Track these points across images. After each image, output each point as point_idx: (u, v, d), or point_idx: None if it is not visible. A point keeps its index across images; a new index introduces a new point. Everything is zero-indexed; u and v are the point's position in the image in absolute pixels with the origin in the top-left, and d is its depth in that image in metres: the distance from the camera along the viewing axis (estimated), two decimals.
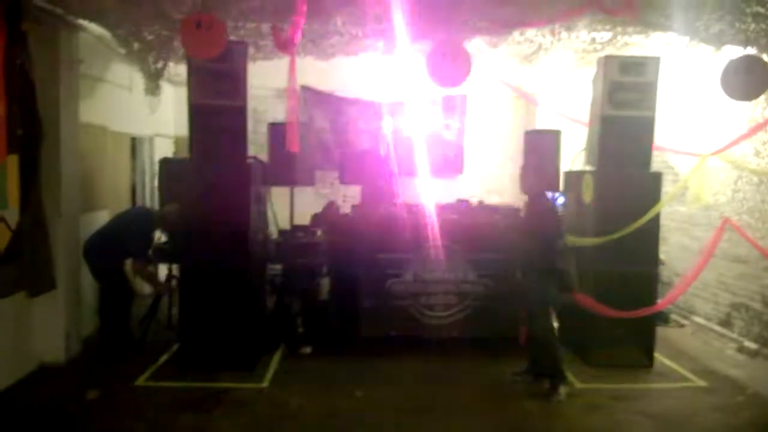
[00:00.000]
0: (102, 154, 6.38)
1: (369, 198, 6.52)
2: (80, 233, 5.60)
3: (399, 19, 4.88)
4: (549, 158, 6.27)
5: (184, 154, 6.25)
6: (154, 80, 6.32)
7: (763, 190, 5.95)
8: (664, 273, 6.89)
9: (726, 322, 6.47)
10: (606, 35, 5.58)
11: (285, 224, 6.50)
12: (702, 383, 5.21)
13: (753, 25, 4.80)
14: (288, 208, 6.63)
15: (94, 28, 5.59)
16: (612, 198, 5.47)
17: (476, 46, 5.74)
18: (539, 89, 8.38)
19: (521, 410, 4.64)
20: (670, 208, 7.01)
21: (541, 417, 4.55)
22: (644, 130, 5.56)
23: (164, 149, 8.14)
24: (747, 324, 6.14)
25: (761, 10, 4.58)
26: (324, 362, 5.52)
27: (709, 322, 6.73)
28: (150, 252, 5.77)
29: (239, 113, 5.15)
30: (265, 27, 5.27)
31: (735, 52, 5.20)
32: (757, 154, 5.98)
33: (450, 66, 4.72)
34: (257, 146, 6.38)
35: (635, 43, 5.72)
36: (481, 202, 6.37)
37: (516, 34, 5.43)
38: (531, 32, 5.42)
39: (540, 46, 5.80)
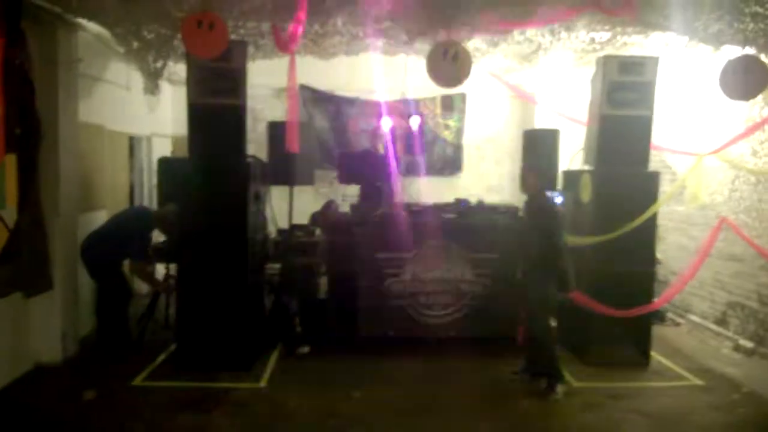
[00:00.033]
0: (100, 153, 6.37)
1: (368, 197, 6.53)
2: (78, 233, 5.58)
3: (399, 18, 4.90)
4: (547, 157, 6.28)
5: (182, 153, 6.24)
6: (153, 79, 6.31)
7: (760, 190, 5.98)
8: (661, 272, 6.91)
9: (722, 321, 6.50)
10: (605, 35, 5.58)
11: (284, 223, 6.50)
12: (698, 381, 5.24)
13: (751, 25, 4.81)
14: (287, 207, 6.63)
15: (93, 26, 5.58)
16: (610, 197, 5.49)
17: (476, 45, 5.75)
18: (538, 89, 8.39)
19: (519, 409, 4.65)
20: (668, 208, 7.02)
21: (539, 416, 4.56)
22: (642, 129, 5.58)
23: (162, 149, 8.12)
24: (743, 322, 6.17)
25: (760, 10, 4.59)
26: (322, 362, 5.52)
27: (705, 320, 6.76)
28: (149, 252, 5.76)
29: (239, 112, 5.14)
30: (265, 26, 5.26)
31: (733, 51, 5.21)
32: (755, 153, 6.00)
33: (450, 66, 4.73)
34: (255, 145, 6.37)
35: (634, 43, 5.73)
36: (480, 202, 6.38)
37: (516, 33, 5.44)
38: (531, 32, 5.42)
39: (539, 46, 5.80)
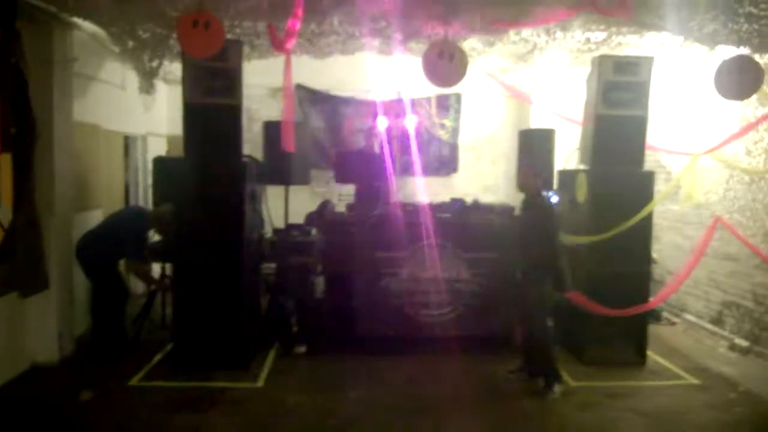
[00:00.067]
0: (95, 153, 6.34)
1: (364, 197, 6.52)
2: (73, 233, 5.56)
3: (395, 18, 4.89)
4: (543, 157, 6.30)
5: (177, 153, 6.23)
6: (148, 79, 6.30)
7: (754, 189, 6.01)
8: (657, 271, 6.94)
9: (717, 320, 6.53)
10: (600, 35, 5.60)
11: (280, 223, 6.49)
12: (694, 381, 5.26)
13: (746, 26, 4.83)
14: (283, 206, 6.62)
15: (88, 26, 5.56)
16: (605, 197, 5.51)
17: (471, 45, 5.76)
18: (534, 88, 8.40)
19: (516, 408, 4.66)
20: (663, 207, 7.06)
21: (536, 415, 4.57)
22: (637, 129, 5.60)
23: (157, 148, 8.10)
24: (738, 321, 6.20)
25: (754, 10, 4.61)
26: (319, 361, 5.52)
27: (701, 319, 6.79)
28: (145, 252, 5.75)
29: (234, 112, 5.14)
30: (261, 26, 5.26)
31: (728, 51, 5.24)
32: (749, 153, 6.04)
33: (446, 66, 4.73)
34: (251, 145, 6.36)
35: (629, 43, 5.75)
36: (476, 201, 6.39)
37: (511, 33, 5.44)
38: (526, 32, 5.43)
39: (535, 46, 5.81)
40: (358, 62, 6.90)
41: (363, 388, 4.93)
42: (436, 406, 4.66)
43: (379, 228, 5.81)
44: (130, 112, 7.30)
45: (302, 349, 5.73)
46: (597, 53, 5.79)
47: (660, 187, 6.49)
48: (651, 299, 5.75)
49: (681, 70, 6.59)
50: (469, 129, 9.36)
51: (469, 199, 6.42)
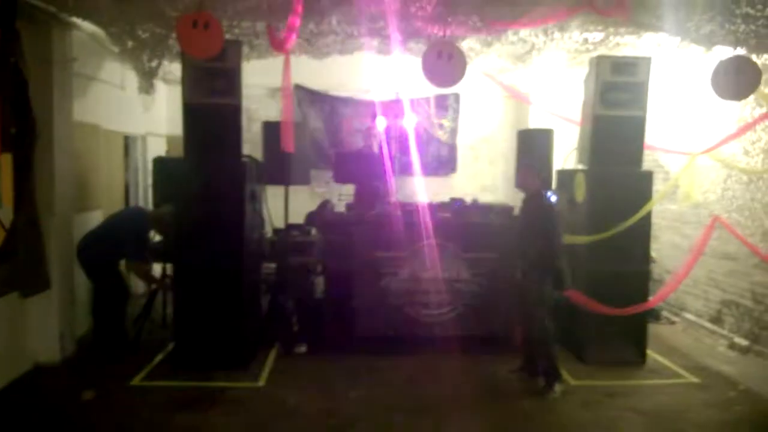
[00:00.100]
0: (95, 153, 6.35)
1: (363, 197, 6.54)
2: (74, 233, 5.57)
3: (394, 18, 4.91)
4: (541, 157, 6.31)
5: (177, 153, 6.23)
6: (148, 79, 6.31)
7: (752, 189, 6.03)
8: (656, 270, 6.96)
9: (716, 319, 6.55)
10: (598, 36, 5.62)
11: (280, 223, 6.50)
12: (694, 379, 5.28)
13: (743, 26, 4.86)
14: (283, 206, 6.63)
15: (88, 26, 5.56)
16: (603, 196, 5.52)
17: (470, 45, 5.78)
18: (532, 89, 8.43)
19: (516, 408, 4.67)
20: (661, 207, 7.08)
21: (537, 414, 4.58)
22: (635, 129, 5.61)
23: (157, 148, 8.11)
24: (737, 320, 6.22)
25: (751, 11, 4.63)
26: (319, 361, 5.52)
27: (700, 318, 6.81)
28: (146, 252, 5.76)
29: (234, 112, 5.15)
30: (260, 26, 5.27)
31: (725, 52, 5.26)
32: (747, 153, 6.06)
33: (445, 66, 4.74)
34: (250, 145, 6.37)
35: (627, 44, 5.77)
36: (475, 201, 6.40)
37: (509, 34, 5.46)
38: (524, 32, 5.45)
39: (533, 46, 5.83)
40: (357, 62, 6.92)
41: (363, 387, 4.94)
42: (436, 405, 4.66)
43: (379, 228, 5.82)
44: (129, 112, 7.30)
45: (303, 348, 5.74)
46: (595, 54, 5.81)
47: (658, 186, 6.51)
48: (650, 298, 5.77)
49: (678, 70, 6.62)
50: (468, 129, 9.38)
51: (468, 199, 6.44)
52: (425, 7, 4.76)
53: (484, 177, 9.44)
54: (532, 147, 6.51)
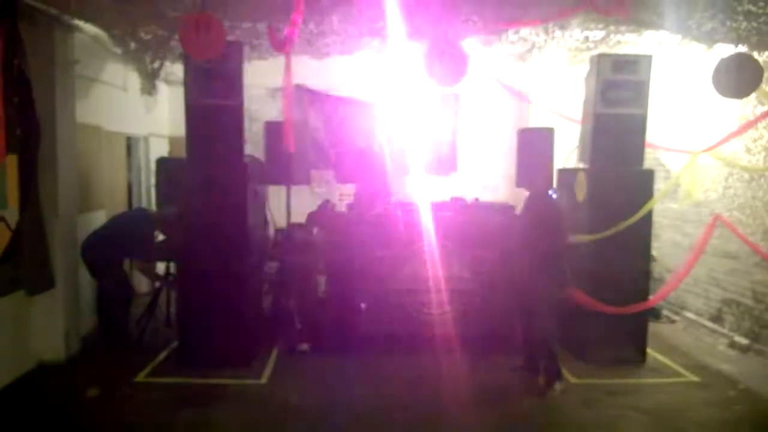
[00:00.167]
0: (98, 154, 6.38)
1: (363, 197, 6.56)
2: (77, 233, 5.61)
3: (395, 17, 4.92)
4: (542, 156, 6.31)
5: (179, 153, 6.26)
6: (150, 80, 6.34)
7: (753, 187, 6.03)
8: (656, 269, 6.97)
9: (717, 318, 6.55)
10: (599, 34, 5.63)
11: (282, 222, 6.53)
12: (694, 378, 5.28)
13: (744, 24, 4.86)
14: (284, 206, 6.66)
15: (90, 28, 5.60)
16: (605, 195, 5.52)
17: (470, 44, 5.79)
18: (533, 87, 8.42)
19: (517, 407, 4.69)
20: (662, 205, 7.08)
21: (537, 412, 4.60)
22: (636, 127, 5.61)
23: (159, 149, 8.14)
24: (738, 319, 6.22)
25: (752, 8, 4.64)
26: (321, 359, 5.55)
27: (701, 317, 6.81)
28: (151, 252, 5.80)
29: (236, 112, 5.18)
30: (261, 27, 5.30)
31: (726, 50, 5.26)
32: (748, 151, 6.06)
33: (448, 65, 4.76)
34: (252, 145, 6.39)
35: (628, 42, 5.78)
36: (476, 200, 6.41)
37: (510, 32, 5.48)
38: (525, 31, 5.47)
39: (534, 45, 5.85)
40: (358, 62, 6.93)
41: (364, 386, 4.96)
42: (437, 404, 4.69)
43: (380, 227, 5.84)
44: (132, 113, 7.33)
45: (305, 347, 5.77)
46: (595, 52, 5.82)
47: (659, 185, 6.51)
48: (651, 297, 5.77)
49: (679, 68, 6.61)
50: (469, 128, 9.37)
51: (469, 198, 6.45)
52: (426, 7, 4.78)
53: (484, 176, 9.43)
54: (532, 146, 6.51)
